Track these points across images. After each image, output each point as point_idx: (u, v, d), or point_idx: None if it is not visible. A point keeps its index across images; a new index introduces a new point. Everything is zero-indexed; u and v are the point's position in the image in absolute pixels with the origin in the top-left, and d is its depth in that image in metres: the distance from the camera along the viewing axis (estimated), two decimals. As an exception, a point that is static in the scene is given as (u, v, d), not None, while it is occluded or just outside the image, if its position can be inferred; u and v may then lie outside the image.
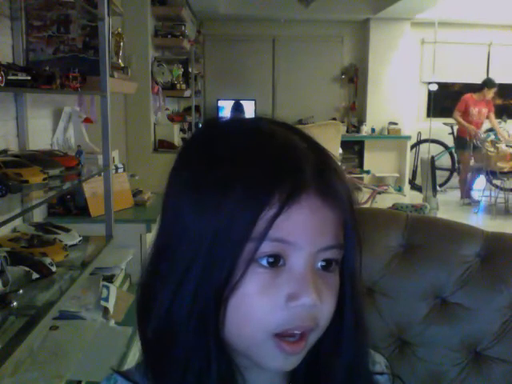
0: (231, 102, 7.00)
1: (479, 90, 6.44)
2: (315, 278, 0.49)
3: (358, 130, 7.31)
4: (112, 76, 2.43)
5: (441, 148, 7.24)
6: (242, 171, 0.48)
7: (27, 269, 1.45)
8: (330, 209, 0.50)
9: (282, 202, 0.47)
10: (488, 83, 6.41)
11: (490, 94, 6.40)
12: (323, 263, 0.51)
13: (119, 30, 3.05)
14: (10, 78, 1.39)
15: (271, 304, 0.48)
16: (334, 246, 0.51)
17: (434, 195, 5.67)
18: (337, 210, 0.50)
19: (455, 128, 7.18)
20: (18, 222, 1.93)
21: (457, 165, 7.23)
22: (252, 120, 0.58)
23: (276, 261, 0.49)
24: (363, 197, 4.48)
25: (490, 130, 6.62)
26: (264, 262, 0.48)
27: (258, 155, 0.49)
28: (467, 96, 6.55)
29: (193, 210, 0.50)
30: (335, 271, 0.52)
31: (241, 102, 6.70)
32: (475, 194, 6.68)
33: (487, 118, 6.53)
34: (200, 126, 0.57)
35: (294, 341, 0.50)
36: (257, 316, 0.48)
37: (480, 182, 6.60)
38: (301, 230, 0.48)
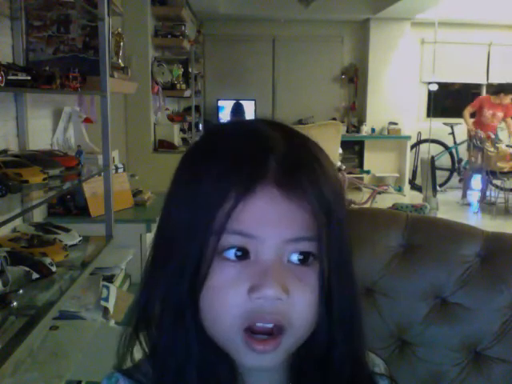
0: (231, 102, 7.00)
1: (497, 94, 6.39)
2: (282, 271, 0.49)
3: (358, 130, 7.31)
4: (112, 76, 2.43)
5: (441, 148, 7.24)
6: (208, 167, 0.50)
7: (27, 269, 1.45)
8: (293, 200, 0.48)
9: (237, 194, 0.47)
10: (505, 89, 6.35)
11: (506, 99, 6.35)
12: (300, 256, 0.50)
13: (119, 30, 3.05)
14: (10, 78, 1.39)
15: (235, 296, 0.48)
16: (304, 238, 0.49)
17: (434, 195, 5.67)
18: (303, 202, 0.49)
19: (455, 128, 7.18)
20: (18, 221, 1.93)
21: (457, 165, 7.23)
22: (243, 121, 0.59)
23: (243, 254, 0.49)
24: (363, 197, 4.49)
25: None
26: (230, 255, 0.49)
27: (224, 151, 0.50)
28: (484, 97, 6.52)
29: (174, 205, 0.53)
30: (312, 265, 0.51)
31: (241, 102, 6.70)
32: (475, 195, 6.68)
33: (504, 121, 6.48)
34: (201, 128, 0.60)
35: (263, 339, 0.49)
36: (224, 309, 0.49)
37: (477, 182, 6.60)
38: (258, 221, 0.48)
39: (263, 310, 0.48)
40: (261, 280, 0.48)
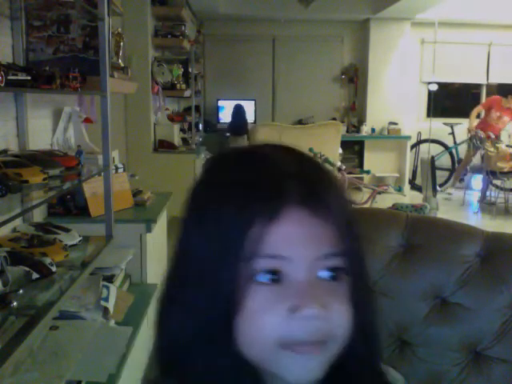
0: (231, 102, 7.00)
1: (507, 97, 6.38)
2: (317, 289, 0.49)
3: (358, 130, 7.31)
4: (112, 76, 2.43)
5: (441, 148, 7.24)
6: (228, 198, 0.50)
7: (27, 269, 1.45)
8: (319, 217, 0.50)
9: (263, 218, 0.48)
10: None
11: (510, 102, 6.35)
12: (330, 273, 0.51)
13: (119, 30, 3.05)
14: (10, 78, 1.39)
15: (273, 319, 0.48)
16: (333, 254, 0.50)
17: (434, 195, 5.67)
18: (329, 218, 0.50)
19: (455, 128, 7.18)
20: (18, 221, 1.93)
21: (457, 165, 7.23)
22: (253, 146, 0.59)
23: (275, 276, 0.49)
24: (363, 197, 4.48)
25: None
26: (263, 278, 0.49)
27: (241, 181, 0.51)
28: (495, 98, 6.52)
29: (196, 238, 0.53)
30: (341, 279, 0.52)
31: (242, 104, 6.69)
32: (475, 195, 6.69)
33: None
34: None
35: (307, 346, 0.49)
36: (264, 332, 0.49)
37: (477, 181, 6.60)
38: (287, 243, 0.49)
39: (304, 330, 0.48)
40: (299, 300, 0.48)
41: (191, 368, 0.52)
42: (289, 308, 0.48)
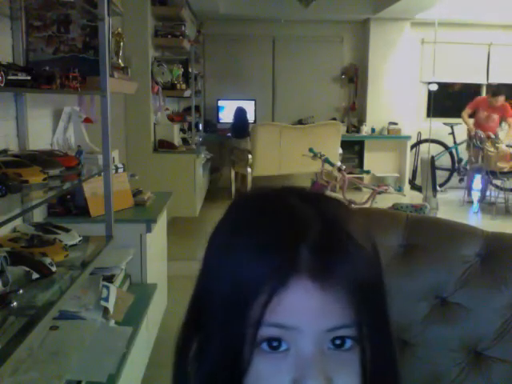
0: (231, 102, 7.00)
1: (494, 96, 6.36)
2: (323, 361, 0.48)
3: (358, 130, 7.31)
4: (112, 76, 2.43)
5: (441, 148, 7.24)
6: (241, 253, 0.49)
7: (27, 269, 1.45)
8: (328, 291, 0.48)
9: (270, 286, 0.47)
10: (502, 91, 6.33)
11: (501, 100, 6.31)
12: (338, 341, 0.49)
13: (119, 30, 3.05)
14: (10, 77, 1.40)
15: None
16: (342, 326, 0.48)
17: (434, 195, 5.67)
18: (339, 292, 0.48)
19: (455, 128, 7.18)
20: (18, 221, 1.93)
21: (457, 165, 7.23)
22: (274, 194, 0.56)
23: (279, 345, 0.48)
24: (363, 197, 4.48)
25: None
26: (266, 347, 0.48)
27: (255, 237, 0.50)
28: (481, 98, 6.52)
29: (212, 280, 0.52)
30: (353, 349, 0.50)
31: (243, 107, 6.67)
32: (475, 195, 6.68)
33: (505, 122, 6.45)
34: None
35: None
36: None
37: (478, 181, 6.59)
38: (294, 314, 0.47)
39: None
40: (303, 372, 0.47)
41: None
42: (292, 379, 0.47)
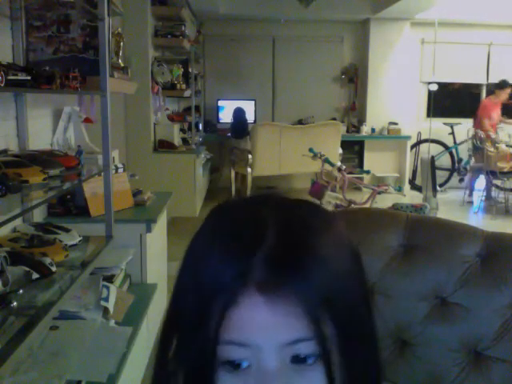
0: (231, 102, 7.00)
1: (492, 93, 6.40)
2: (284, 376, 0.47)
3: (358, 130, 7.31)
4: (112, 76, 2.43)
5: (441, 148, 7.24)
6: (203, 265, 0.49)
7: (27, 269, 1.45)
8: (278, 305, 0.46)
9: (223, 304, 0.46)
10: (502, 84, 6.37)
11: (503, 94, 6.35)
12: (301, 356, 0.48)
13: (119, 30, 3.05)
14: (10, 77, 1.40)
15: None
16: (300, 340, 0.47)
17: (434, 195, 5.67)
18: (294, 303, 0.46)
19: (455, 128, 7.18)
20: (18, 221, 1.93)
21: (457, 165, 7.22)
22: (244, 204, 0.55)
23: (238, 363, 0.47)
24: (363, 197, 4.48)
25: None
26: (228, 364, 0.47)
27: (213, 249, 0.49)
28: (488, 102, 6.52)
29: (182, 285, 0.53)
30: (316, 363, 0.48)
31: (242, 107, 6.67)
32: (476, 195, 6.68)
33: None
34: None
35: None
36: None
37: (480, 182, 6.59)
38: (247, 329, 0.46)
39: None
40: None
41: None
42: None
